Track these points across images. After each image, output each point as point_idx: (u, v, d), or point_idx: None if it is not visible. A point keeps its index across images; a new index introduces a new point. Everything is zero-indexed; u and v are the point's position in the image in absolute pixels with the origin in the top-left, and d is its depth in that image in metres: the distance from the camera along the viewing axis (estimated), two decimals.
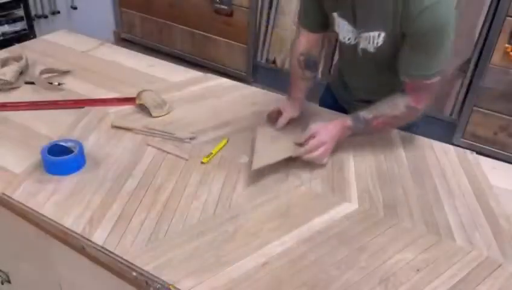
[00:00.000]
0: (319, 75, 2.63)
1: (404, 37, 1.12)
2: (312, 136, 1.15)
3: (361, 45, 1.24)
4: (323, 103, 1.53)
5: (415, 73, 1.14)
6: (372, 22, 1.17)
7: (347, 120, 1.19)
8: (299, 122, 1.31)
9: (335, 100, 1.52)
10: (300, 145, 1.17)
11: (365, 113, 1.19)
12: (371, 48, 1.21)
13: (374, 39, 1.18)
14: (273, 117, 1.32)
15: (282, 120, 1.30)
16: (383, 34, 1.16)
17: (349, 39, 1.28)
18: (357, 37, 1.25)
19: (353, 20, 1.22)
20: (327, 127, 1.18)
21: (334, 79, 1.54)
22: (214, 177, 1.12)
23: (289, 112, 1.31)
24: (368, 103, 1.26)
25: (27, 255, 1.20)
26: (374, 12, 1.14)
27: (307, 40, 1.35)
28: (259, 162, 1.12)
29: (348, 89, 1.44)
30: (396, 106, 1.17)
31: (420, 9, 1.04)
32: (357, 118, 1.19)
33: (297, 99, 1.35)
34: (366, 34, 1.20)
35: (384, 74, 1.24)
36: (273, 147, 1.20)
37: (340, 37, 1.31)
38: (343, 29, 1.27)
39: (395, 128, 1.25)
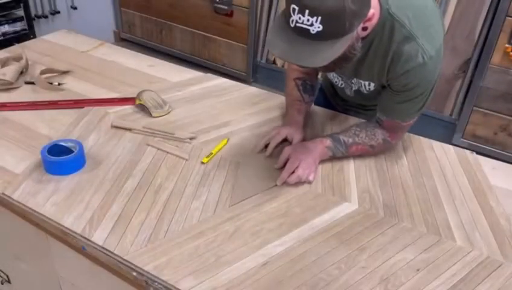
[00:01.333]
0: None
1: (389, 86, 1.12)
2: (289, 157, 1.13)
3: (353, 88, 1.24)
4: (316, 101, 1.52)
5: (394, 117, 1.16)
6: (360, 76, 1.17)
7: (327, 140, 1.17)
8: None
9: (327, 99, 1.52)
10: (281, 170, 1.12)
11: (345, 137, 1.18)
12: (363, 91, 1.21)
13: (365, 86, 1.19)
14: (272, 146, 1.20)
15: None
16: (373, 84, 1.17)
17: (336, 82, 1.27)
18: (346, 82, 1.24)
19: (341, 72, 1.22)
20: (303, 144, 1.16)
21: (326, 82, 1.52)
22: (214, 177, 1.12)
23: (298, 139, 1.21)
24: (360, 105, 1.26)
25: (27, 255, 1.20)
26: (362, 69, 1.14)
27: (300, 70, 1.30)
28: (239, 196, 1.06)
29: (339, 95, 1.43)
30: (375, 136, 1.18)
31: (406, 70, 1.04)
32: (337, 139, 1.17)
33: (299, 122, 1.26)
34: (356, 81, 1.20)
35: (377, 95, 1.22)
36: (257, 176, 1.13)
37: (329, 77, 1.30)
38: (331, 74, 1.26)
39: (368, 156, 1.22)
